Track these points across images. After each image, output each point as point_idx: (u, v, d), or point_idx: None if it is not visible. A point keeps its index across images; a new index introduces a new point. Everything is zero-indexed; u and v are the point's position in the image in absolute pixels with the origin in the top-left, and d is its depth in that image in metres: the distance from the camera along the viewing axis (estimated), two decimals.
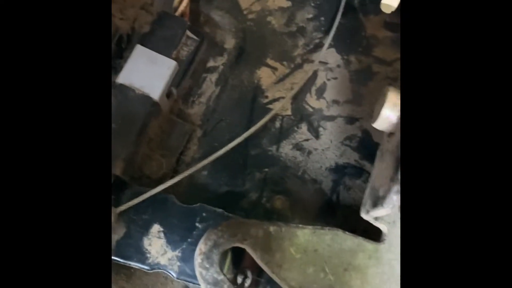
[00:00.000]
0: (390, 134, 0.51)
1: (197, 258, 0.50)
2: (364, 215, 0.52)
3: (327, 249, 0.52)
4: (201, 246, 0.50)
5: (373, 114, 0.52)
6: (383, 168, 0.50)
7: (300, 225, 0.52)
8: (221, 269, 0.50)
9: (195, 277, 0.55)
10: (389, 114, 0.48)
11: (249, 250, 0.51)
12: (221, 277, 0.49)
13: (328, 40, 0.68)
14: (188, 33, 0.64)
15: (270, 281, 0.58)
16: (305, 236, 0.52)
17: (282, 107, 0.68)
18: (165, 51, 0.61)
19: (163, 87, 0.60)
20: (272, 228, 0.52)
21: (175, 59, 0.62)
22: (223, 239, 0.50)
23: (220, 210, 0.58)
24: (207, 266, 0.49)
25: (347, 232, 0.53)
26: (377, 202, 0.47)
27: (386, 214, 0.53)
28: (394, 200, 0.43)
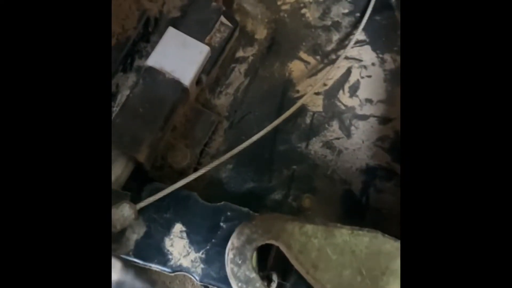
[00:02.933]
0: None
1: (229, 254, 0.46)
2: None
3: (365, 251, 0.49)
4: (234, 241, 0.47)
5: None
6: None
7: (338, 225, 0.49)
8: (253, 266, 0.46)
9: (219, 280, 0.51)
10: None
11: (283, 249, 0.48)
12: (254, 275, 0.46)
13: (356, 34, 0.65)
14: (223, 19, 0.61)
15: (295, 285, 0.55)
16: (343, 237, 0.49)
17: (314, 103, 0.65)
18: (198, 35, 0.58)
19: (194, 73, 0.57)
20: (308, 226, 0.49)
21: (207, 44, 0.59)
22: (257, 235, 0.47)
23: (246, 209, 0.54)
24: (239, 262, 0.46)
25: (386, 235, 0.50)
26: None
27: None
28: None
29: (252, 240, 0.47)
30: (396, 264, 0.49)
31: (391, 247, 0.49)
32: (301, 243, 0.48)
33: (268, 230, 0.48)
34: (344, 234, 0.49)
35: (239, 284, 0.46)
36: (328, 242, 0.48)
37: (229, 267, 0.46)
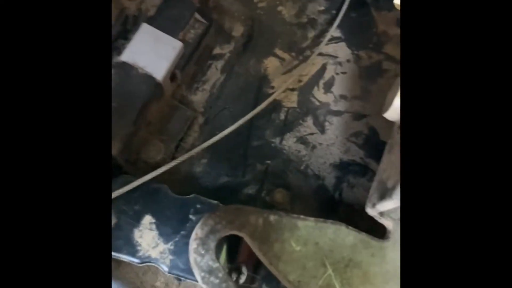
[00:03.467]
0: None
1: (192, 244, 0.47)
2: (369, 210, 0.50)
3: (329, 243, 0.49)
4: (197, 231, 0.47)
5: (385, 104, 0.50)
6: (393, 160, 0.48)
7: (302, 216, 0.50)
8: (217, 257, 0.47)
9: (187, 271, 0.52)
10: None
11: (246, 239, 0.48)
12: (217, 265, 0.47)
13: (330, 31, 0.66)
14: (197, 15, 0.62)
15: (266, 278, 0.56)
16: (307, 228, 0.50)
17: (288, 99, 0.66)
18: (171, 31, 0.59)
19: (167, 68, 0.58)
20: (272, 217, 0.49)
21: (181, 40, 0.60)
22: (221, 225, 0.48)
23: (215, 202, 0.55)
24: (203, 252, 0.47)
25: (350, 227, 0.50)
26: (385, 194, 0.45)
27: (393, 210, 0.50)
28: None
29: (216, 231, 0.47)
30: (360, 257, 0.49)
31: (355, 239, 0.50)
32: (264, 235, 0.49)
33: (232, 221, 0.48)
34: (308, 225, 0.50)
35: (202, 274, 0.46)
36: (292, 233, 0.49)
37: (192, 257, 0.47)
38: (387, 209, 0.47)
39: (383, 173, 0.49)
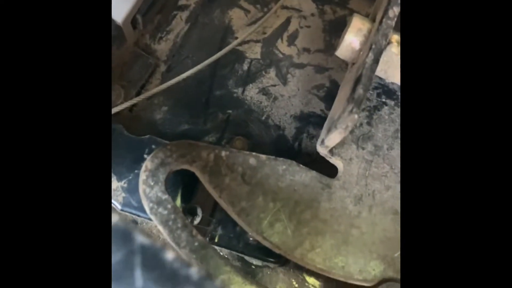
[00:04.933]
0: (352, 64, 0.50)
1: (142, 175, 0.47)
2: (319, 147, 0.50)
3: (280, 179, 0.50)
4: (147, 163, 0.47)
5: (338, 44, 0.50)
6: (340, 97, 0.48)
7: (254, 153, 0.51)
8: (166, 189, 0.47)
9: (140, 209, 0.53)
10: (352, 40, 0.46)
11: (197, 173, 0.49)
12: (166, 196, 0.47)
13: None
14: None
15: (222, 221, 0.57)
16: (258, 164, 0.50)
17: (252, 50, 0.66)
18: None
19: (127, 10, 0.58)
20: (224, 153, 0.50)
21: None
22: (171, 159, 0.48)
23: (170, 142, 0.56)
24: (152, 184, 0.47)
25: (301, 165, 0.51)
26: (331, 126, 0.46)
27: (343, 150, 0.51)
28: (347, 119, 0.41)
29: (166, 164, 0.48)
30: (310, 193, 0.50)
31: (305, 176, 0.50)
32: (215, 169, 0.49)
33: (183, 155, 0.49)
34: (259, 162, 0.50)
35: (151, 205, 0.46)
36: (243, 169, 0.50)
37: (141, 188, 0.47)
38: (334, 142, 0.47)
39: (333, 111, 0.50)
